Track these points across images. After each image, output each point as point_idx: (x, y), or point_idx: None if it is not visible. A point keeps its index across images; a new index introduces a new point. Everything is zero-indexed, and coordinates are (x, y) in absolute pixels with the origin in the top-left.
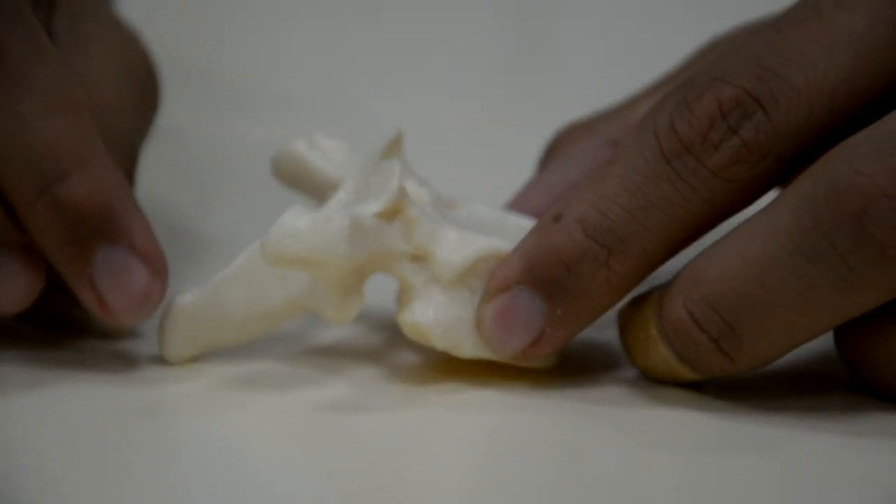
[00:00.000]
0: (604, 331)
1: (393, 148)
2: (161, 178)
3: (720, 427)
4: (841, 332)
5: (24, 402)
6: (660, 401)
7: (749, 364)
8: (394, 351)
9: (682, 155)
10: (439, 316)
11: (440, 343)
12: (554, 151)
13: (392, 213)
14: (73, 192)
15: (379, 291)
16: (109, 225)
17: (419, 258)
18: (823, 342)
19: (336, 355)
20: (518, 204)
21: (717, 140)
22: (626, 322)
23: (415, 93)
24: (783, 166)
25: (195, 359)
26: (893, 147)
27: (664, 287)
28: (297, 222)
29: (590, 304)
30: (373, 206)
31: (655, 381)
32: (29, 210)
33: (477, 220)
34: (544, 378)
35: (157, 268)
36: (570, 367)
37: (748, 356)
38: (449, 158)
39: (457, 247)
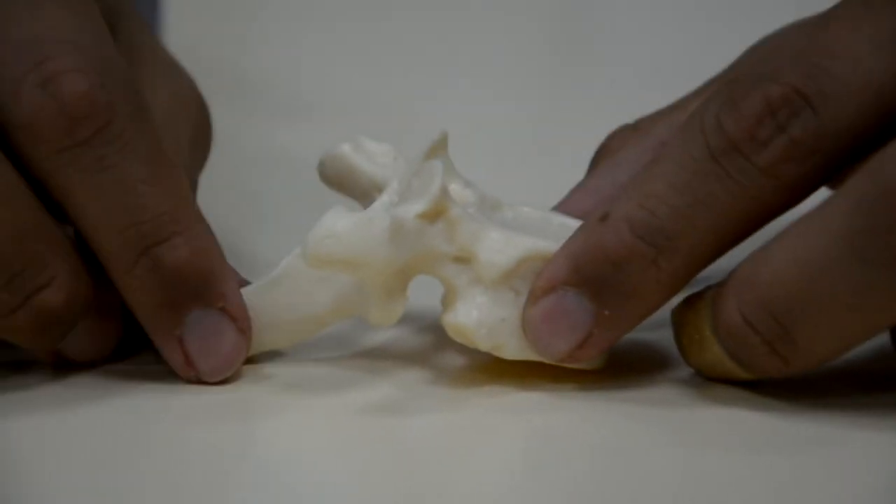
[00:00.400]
0: (651, 331)
1: (437, 149)
2: (205, 188)
3: (774, 426)
4: None
5: (73, 410)
6: (711, 400)
7: (804, 366)
8: (439, 353)
9: (729, 153)
10: (483, 317)
11: (484, 344)
12: (603, 155)
13: (435, 214)
14: (174, 255)
15: (425, 293)
16: (206, 289)
17: (463, 259)
18: (879, 338)
19: (381, 358)
20: (565, 208)
21: (766, 138)
22: (680, 322)
23: (460, 95)
24: (831, 164)
25: (245, 360)
26: None
27: (718, 286)
28: (338, 223)
29: (638, 304)
30: (415, 207)
31: (709, 380)
32: (126, 271)
33: (522, 221)
34: (591, 379)
35: (244, 328)
36: (617, 367)
37: (803, 358)
38: (494, 161)
39: (500, 247)
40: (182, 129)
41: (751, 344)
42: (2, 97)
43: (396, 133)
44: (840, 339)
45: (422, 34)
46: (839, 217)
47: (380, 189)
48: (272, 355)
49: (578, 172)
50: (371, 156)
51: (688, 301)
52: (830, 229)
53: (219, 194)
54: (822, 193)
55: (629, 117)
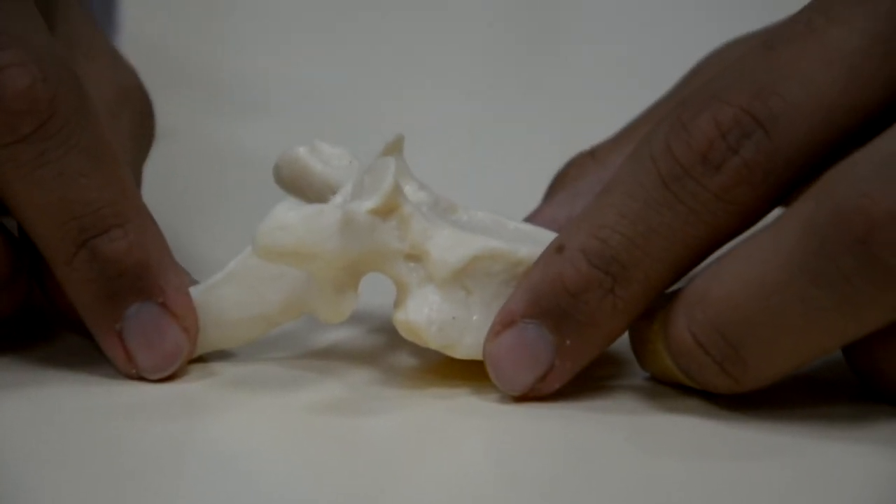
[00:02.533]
0: None
1: (392, 150)
2: (156, 182)
3: (728, 435)
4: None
5: (16, 402)
6: (665, 407)
7: (754, 384)
8: (391, 353)
9: (681, 178)
10: (434, 315)
11: (434, 342)
12: (561, 183)
13: (387, 211)
14: (112, 247)
15: (378, 293)
16: (145, 282)
17: (414, 257)
18: None
19: (332, 357)
20: None
21: (718, 161)
22: (634, 333)
23: (422, 96)
24: (785, 185)
25: (191, 360)
26: (894, 167)
27: (669, 302)
28: (288, 215)
29: (598, 332)
30: (367, 203)
31: (663, 384)
32: (66, 263)
33: (476, 223)
34: None
35: (188, 326)
36: None
37: (753, 377)
38: (455, 164)
39: (452, 245)
40: (125, 120)
41: (701, 363)
42: None
43: (355, 132)
44: (790, 359)
45: (386, 32)
46: (790, 237)
47: (335, 192)
48: (220, 354)
49: (539, 180)
50: (327, 159)
51: (642, 314)
52: (781, 250)
53: (171, 191)
54: (775, 210)
55: (595, 122)
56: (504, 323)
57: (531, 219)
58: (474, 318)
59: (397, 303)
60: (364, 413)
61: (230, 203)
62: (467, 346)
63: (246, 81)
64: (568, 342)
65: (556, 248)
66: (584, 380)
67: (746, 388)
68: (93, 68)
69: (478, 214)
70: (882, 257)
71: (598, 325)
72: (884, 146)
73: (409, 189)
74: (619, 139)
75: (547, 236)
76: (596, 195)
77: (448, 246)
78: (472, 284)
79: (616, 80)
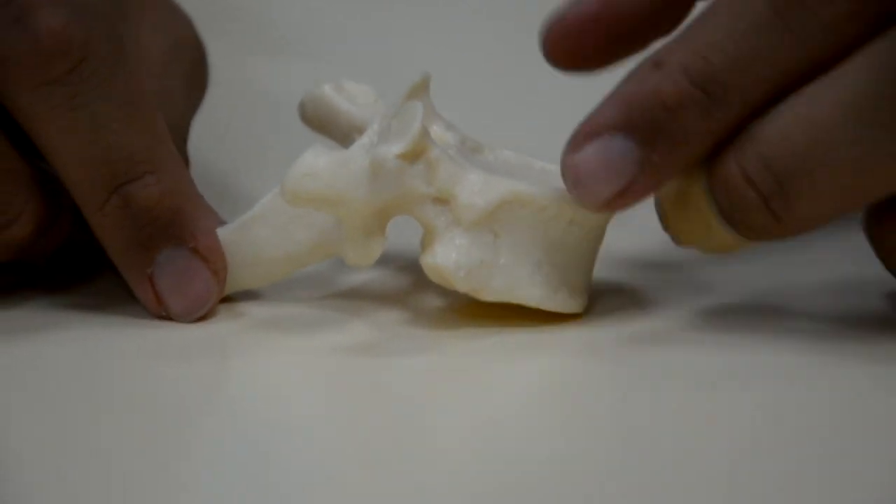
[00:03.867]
0: (632, 276)
1: (418, 90)
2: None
3: (727, 362)
4: (872, 219)
5: (51, 344)
6: (686, 342)
7: (793, 228)
8: (417, 294)
9: (794, 6)
10: (461, 259)
11: (462, 286)
12: None
13: (414, 155)
14: (145, 193)
15: (404, 234)
16: (176, 228)
17: (442, 200)
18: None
19: (359, 298)
20: None
21: None
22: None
23: (445, 35)
24: (883, 23)
25: (222, 299)
26: None
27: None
28: (317, 161)
29: (687, 150)
30: (395, 147)
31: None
32: (97, 208)
33: (502, 164)
34: (569, 323)
35: (218, 269)
36: (598, 312)
37: (795, 219)
38: (478, 102)
39: (480, 189)
40: (176, 71)
41: (746, 198)
42: None
43: (378, 71)
44: (835, 201)
45: None
46: (851, 81)
47: (360, 130)
48: (248, 294)
49: (561, 117)
50: (352, 97)
51: None
52: (840, 92)
53: (198, 131)
54: None
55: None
56: (589, 134)
57: None
58: (501, 261)
59: (425, 246)
60: (392, 354)
61: (257, 141)
62: (495, 289)
63: (269, 18)
64: (655, 157)
65: (654, 63)
66: (609, 317)
67: (786, 231)
68: (147, 18)
69: (503, 154)
70: None
71: (689, 144)
72: None
73: (436, 129)
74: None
75: None
76: (697, 17)
77: (476, 190)
78: (500, 228)
79: None
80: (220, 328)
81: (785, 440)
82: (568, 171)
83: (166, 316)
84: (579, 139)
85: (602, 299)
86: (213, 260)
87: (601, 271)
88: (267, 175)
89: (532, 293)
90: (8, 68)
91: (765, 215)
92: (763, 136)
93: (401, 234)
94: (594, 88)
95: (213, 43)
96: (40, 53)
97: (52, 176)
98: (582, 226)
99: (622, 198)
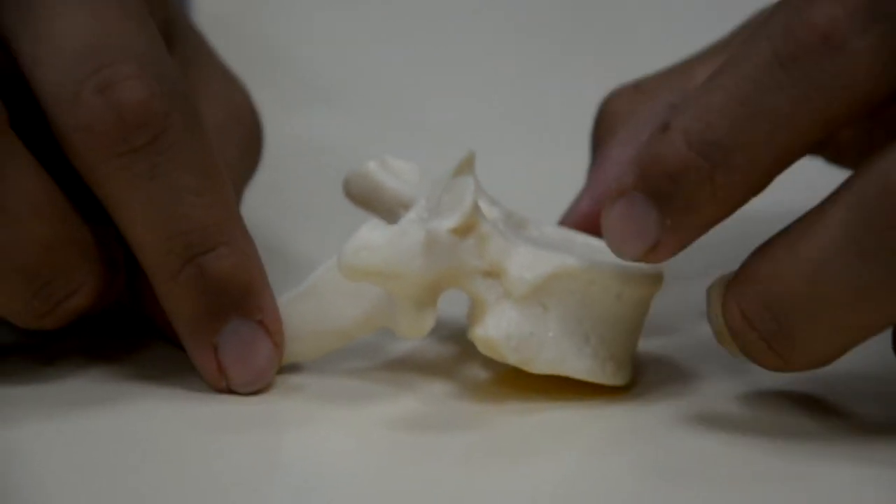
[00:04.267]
0: (678, 349)
1: (465, 167)
2: None
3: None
4: None
5: (103, 419)
6: (721, 427)
7: (803, 364)
8: (464, 364)
9: (799, 58)
10: (512, 331)
11: (512, 358)
12: (610, 120)
13: (466, 229)
14: (219, 265)
15: (446, 302)
16: (246, 300)
17: (492, 274)
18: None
19: (406, 369)
20: (595, 183)
21: (840, 40)
22: (711, 302)
23: (476, 87)
24: None
25: None
26: None
27: (731, 278)
28: (373, 235)
29: (696, 217)
30: (447, 222)
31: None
32: (171, 278)
33: (546, 238)
34: (617, 396)
35: (279, 343)
36: (644, 385)
37: (801, 356)
38: (513, 157)
39: (529, 263)
40: (233, 141)
41: (750, 341)
42: (60, 101)
43: (413, 126)
44: (838, 337)
45: (439, 22)
46: (840, 214)
47: (406, 207)
48: (298, 366)
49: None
50: (397, 173)
51: (716, 283)
52: (829, 224)
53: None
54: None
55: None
56: (618, 191)
57: (599, 164)
58: (550, 334)
59: (475, 318)
60: (441, 430)
61: (296, 192)
62: (544, 361)
63: (305, 68)
64: (668, 222)
65: (661, 127)
66: (656, 392)
67: (796, 367)
68: (206, 87)
69: (547, 229)
70: None
71: (697, 211)
72: None
73: (482, 204)
74: (668, 74)
75: None
76: (708, 76)
77: (526, 263)
78: (549, 301)
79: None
80: (273, 401)
81: None
82: (603, 224)
83: (224, 387)
84: (612, 194)
85: (648, 371)
86: (276, 333)
87: (644, 341)
88: (303, 225)
89: (580, 366)
90: (91, 136)
91: (771, 355)
92: (760, 275)
93: (443, 303)
94: None
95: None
96: (124, 124)
97: (110, 237)
98: (629, 299)
99: (654, 254)
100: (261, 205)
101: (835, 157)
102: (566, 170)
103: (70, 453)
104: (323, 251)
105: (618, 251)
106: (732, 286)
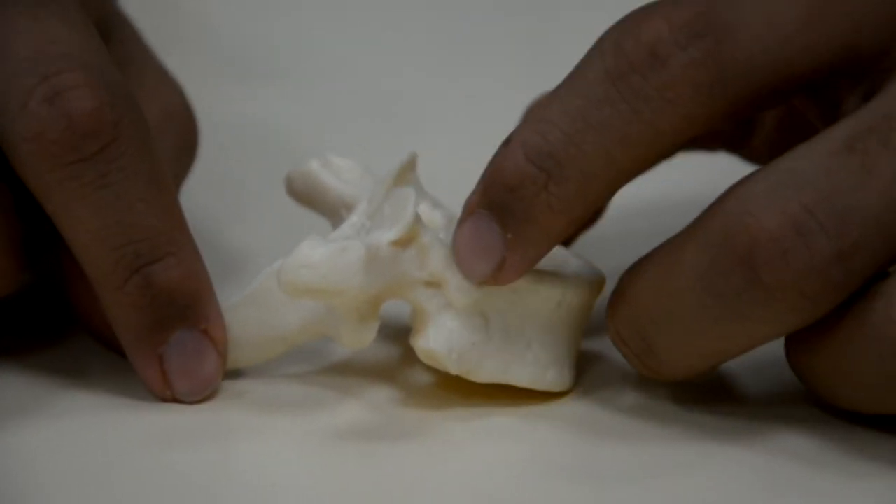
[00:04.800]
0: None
1: (407, 170)
2: None
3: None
4: (789, 344)
5: (37, 429)
6: (662, 422)
7: (675, 378)
8: (408, 369)
9: (626, 74)
10: (453, 342)
11: (454, 368)
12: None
13: (407, 241)
14: (166, 275)
15: (392, 302)
16: (192, 310)
17: (433, 284)
18: None
19: (350, 374)
20: None
21: (665, 55)
22: None
23: (438, 71)
24: (731, 108)
25: None
26: (785, 187)
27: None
28: (314, 253)
29: (536, 229)
30: (388, 235)
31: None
32: (117, 287)
33: None
34: (558, 400)
35: (223, 352)
36: (586, 387)
37: (669, 371)
38: (474, 139)
39: None
40: (168, 139)
41: (625, 354)
42: (8, 110)
43: (370, 106)
44: (700, 360)
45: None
46: (689, 248)
47: (347, 206)
48: (241, 371)
49: None
50: (338, 172)
51: None
52: (682, 260)
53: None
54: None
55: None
56: (466, 212)
57: None
58: (492, 343)
59: (416, 329)
60: (386, 437)
61: (238, 182)
62: (486, 371)
63: (255, 47)
64: (510, 235)
65: (505, 141)
66: (596, 394)
67: (669, 379)
68: (141, 86)
69: None
70: (763, 277)
71: (534, 222)
72: (783, 165)
73: (423, 208)
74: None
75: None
76: (550, 91)
77: None
78: (490, 311)
79: None
80: (207, 408)
81: None
82: (453, 248)
83: (169, 396)
84: (461, 217)
85: (590, 371)
86: (220, 342)
87: (585, 341)
88: (247, 213)
89: (522, 374)
90: (40, 145)
91: (644, 369)
92: (627, 297)
93: (387, 304)
94: None
95: (179, 63)
96: (74, 133)
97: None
98: (569, 306)
99: (501, 273)
100: (200, 194)
101: (750, 156)
102: None
103: (8, 468)
104: (263, 243)
105: (467, 273)
106: (610, 304)
